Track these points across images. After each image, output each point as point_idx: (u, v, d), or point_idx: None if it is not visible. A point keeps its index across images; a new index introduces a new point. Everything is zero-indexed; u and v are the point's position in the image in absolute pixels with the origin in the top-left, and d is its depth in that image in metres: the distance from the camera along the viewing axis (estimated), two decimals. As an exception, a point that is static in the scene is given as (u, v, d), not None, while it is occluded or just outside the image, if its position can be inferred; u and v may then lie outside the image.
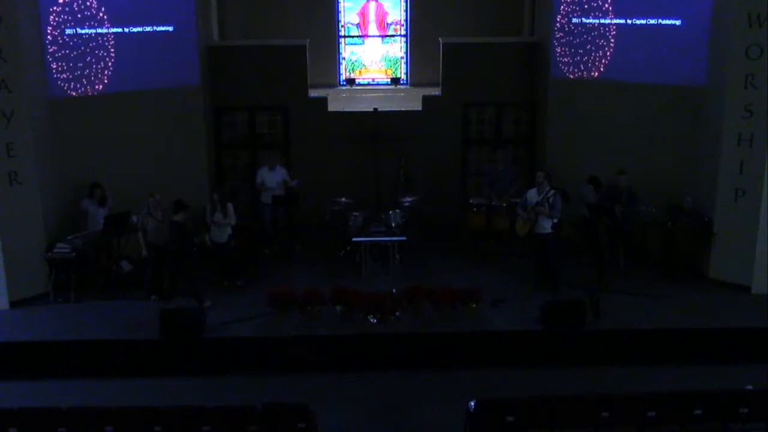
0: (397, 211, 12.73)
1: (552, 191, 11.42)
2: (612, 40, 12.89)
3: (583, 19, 13.12)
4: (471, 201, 13.29)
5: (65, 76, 12.05)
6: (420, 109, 14.52)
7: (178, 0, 12.93)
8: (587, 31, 13.10)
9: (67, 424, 7.65)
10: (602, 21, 12.94)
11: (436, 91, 14.69)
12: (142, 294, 11.53)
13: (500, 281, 11.96)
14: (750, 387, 8.32)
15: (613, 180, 12.18)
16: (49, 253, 11.47)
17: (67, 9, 11.92)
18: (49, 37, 11.78)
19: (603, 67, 13.04)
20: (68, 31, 11.99)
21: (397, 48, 16.08)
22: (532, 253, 12.01)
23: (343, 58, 16.05)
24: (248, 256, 12.41)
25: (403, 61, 16.07)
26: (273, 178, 13.13)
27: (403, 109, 14.69)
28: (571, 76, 13.34)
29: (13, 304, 11.27)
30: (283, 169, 13.34)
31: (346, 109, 14.68)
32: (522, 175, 13.72)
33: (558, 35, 13.37)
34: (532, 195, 11.56)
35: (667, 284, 11.84)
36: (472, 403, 7.97)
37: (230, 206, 11.84)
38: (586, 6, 13.04)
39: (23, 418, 7.69)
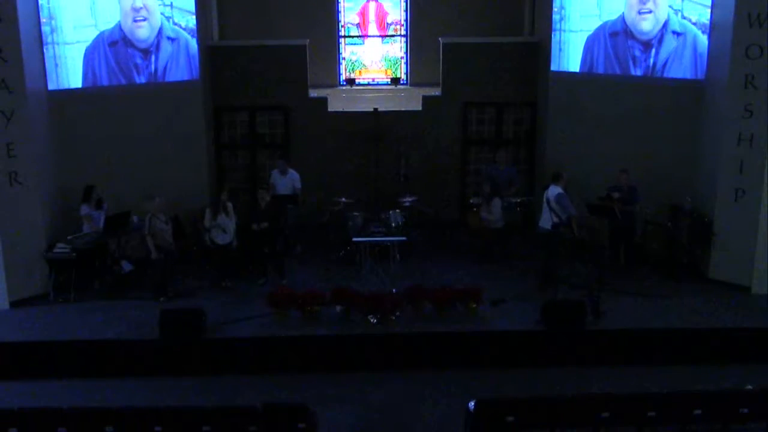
0: (397, 211, 12.73)
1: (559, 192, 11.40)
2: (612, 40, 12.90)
3: (584, 19, 13.12)
4: (471, 201, 13.28)
5: (65, 75, 12.03)
6: (420, 109, 14.53)
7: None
8: (588, 31, 13.09)
9: (67, 424, 7.63)
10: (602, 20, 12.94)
11: (436, 91, 14.69)
12: (142, 294, 11.52)
13: (500, 281, 11.96)
14: (750, 387, 8.31)
15: (616, 178, 12.17)
16: (49, 253, 11.48)
17: (66, 9, 11.90)
18: (48, 36, 11.77)
19: (603, 67, 13.04)
20: (68, 31, 11.97)
21: (397, 48, 16.06)
22: (537, 252, 11.97)
23: (343, 58, 16.03)
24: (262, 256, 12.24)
25: (403, 61, 16.05)
26: (283, 182, 13.08)
27: (403, 109, 14.69)
28: (571, 76, 13.33)
29: (13, 304, 11.27)
30: (296, 174, 13.21)
31: (346, 109, 14.67)
32: (522, 174, 13.70)
33: (558, 35, 13.36)
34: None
35: (667, 284, 11.83)
36: (472, 403, 7.95)
37: (230, 207, 11.84)
38: (586, 5, 13.03)
39: (23, 418, 7.68)
